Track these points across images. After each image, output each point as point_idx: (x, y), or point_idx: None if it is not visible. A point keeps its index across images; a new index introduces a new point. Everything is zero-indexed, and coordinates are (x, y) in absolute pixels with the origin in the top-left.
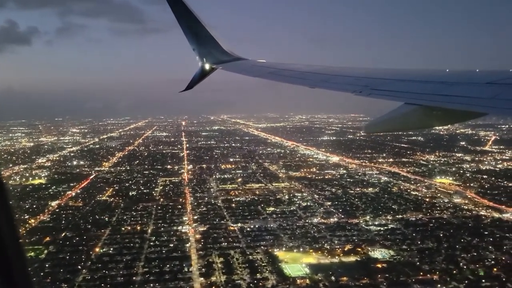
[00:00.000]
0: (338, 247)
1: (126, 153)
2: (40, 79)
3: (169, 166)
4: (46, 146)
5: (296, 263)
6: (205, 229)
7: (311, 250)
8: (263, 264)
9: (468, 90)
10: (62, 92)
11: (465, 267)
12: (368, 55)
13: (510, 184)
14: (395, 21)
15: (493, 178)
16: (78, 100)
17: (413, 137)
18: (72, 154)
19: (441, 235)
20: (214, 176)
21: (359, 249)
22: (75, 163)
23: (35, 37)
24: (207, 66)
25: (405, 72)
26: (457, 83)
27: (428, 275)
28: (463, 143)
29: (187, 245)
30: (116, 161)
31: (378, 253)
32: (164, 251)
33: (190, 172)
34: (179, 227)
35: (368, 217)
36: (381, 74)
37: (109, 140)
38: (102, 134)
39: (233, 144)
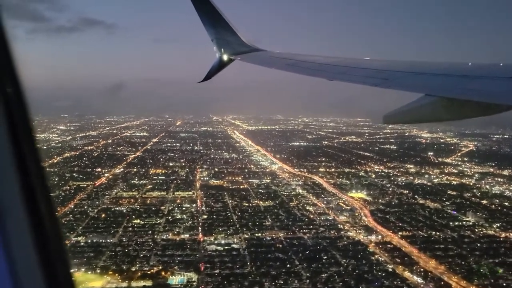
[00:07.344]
0: (146, 269)
1: (77, 153)
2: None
3: (98, 169)
4: None
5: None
6: None
7: (112, 272)
8: None
9: (490, 83)
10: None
11: None
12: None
13: (421, 202)
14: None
15: (410, 195)
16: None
17: (387, 145)
18: None
19: (273, 257)
20: (127, 182)
21: (164, 273)
22: None
23: None
24: (225, 57)
25: (426, 65)
26: (479, 77)
27: None
28: (431, 153)
29: None
30: (55, 161)
31: (178, 278)
32: None
33: (110, 177)
34: None
35: (223, 234)
36: (401, 66)
37: (81, 138)
38: (82, 132)
39: (195, 148)
